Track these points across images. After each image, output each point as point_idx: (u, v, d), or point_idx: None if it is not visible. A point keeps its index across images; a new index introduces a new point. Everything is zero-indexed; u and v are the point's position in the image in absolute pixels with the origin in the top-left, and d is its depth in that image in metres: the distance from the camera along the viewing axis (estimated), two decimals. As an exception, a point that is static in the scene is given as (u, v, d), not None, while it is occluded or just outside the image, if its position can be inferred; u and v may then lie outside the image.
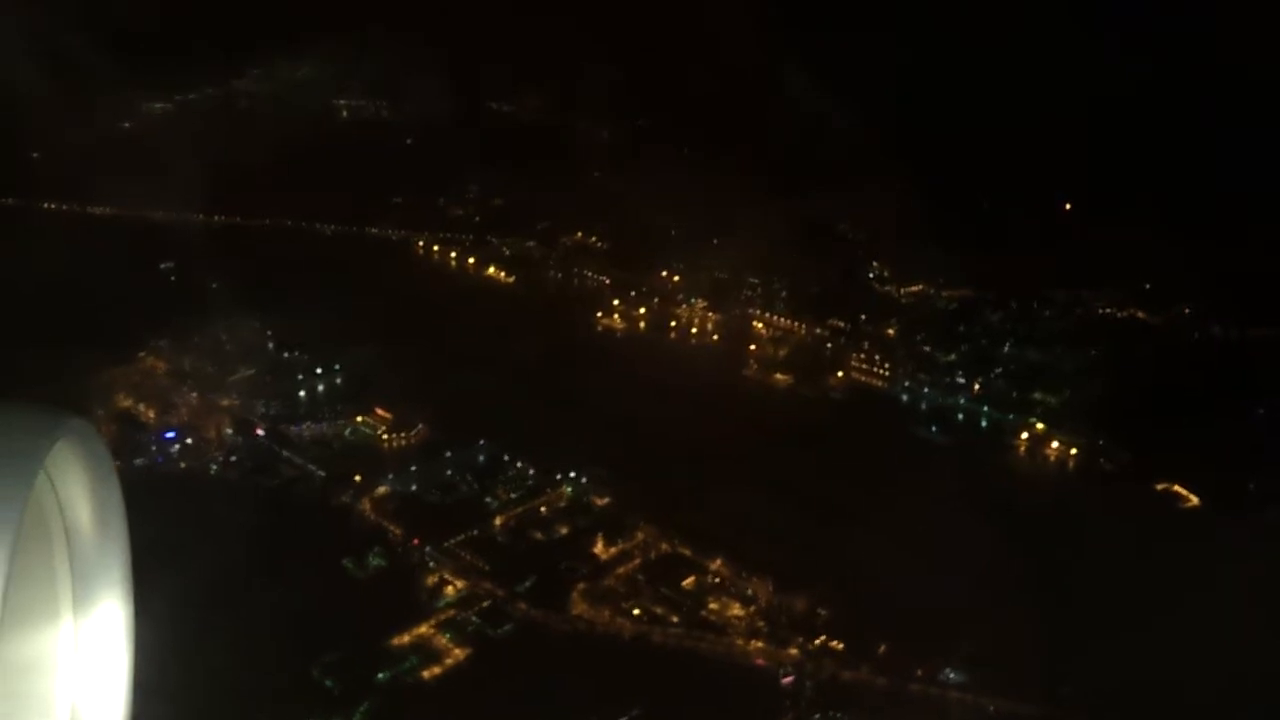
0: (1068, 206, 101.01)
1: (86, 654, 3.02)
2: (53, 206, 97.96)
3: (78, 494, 2.96)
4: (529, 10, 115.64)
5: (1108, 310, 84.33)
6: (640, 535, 54.83)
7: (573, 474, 59.15)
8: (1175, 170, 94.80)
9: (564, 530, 55.21)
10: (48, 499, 2.91)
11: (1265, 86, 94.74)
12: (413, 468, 59.19)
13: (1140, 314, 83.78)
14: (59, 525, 2.97)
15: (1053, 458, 65.00)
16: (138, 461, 57.91)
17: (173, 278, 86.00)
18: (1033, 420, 66.88)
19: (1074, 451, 64.29)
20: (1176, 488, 60.24)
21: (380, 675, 44.86)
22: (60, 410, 2.72)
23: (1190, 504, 59.57)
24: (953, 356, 75.39)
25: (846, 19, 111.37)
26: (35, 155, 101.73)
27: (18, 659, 2.83)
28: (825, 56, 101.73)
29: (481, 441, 61.83)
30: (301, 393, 68.79)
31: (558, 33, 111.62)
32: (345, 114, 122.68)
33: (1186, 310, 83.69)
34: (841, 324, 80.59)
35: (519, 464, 59.90)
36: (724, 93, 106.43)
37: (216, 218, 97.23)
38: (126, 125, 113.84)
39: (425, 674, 45.52)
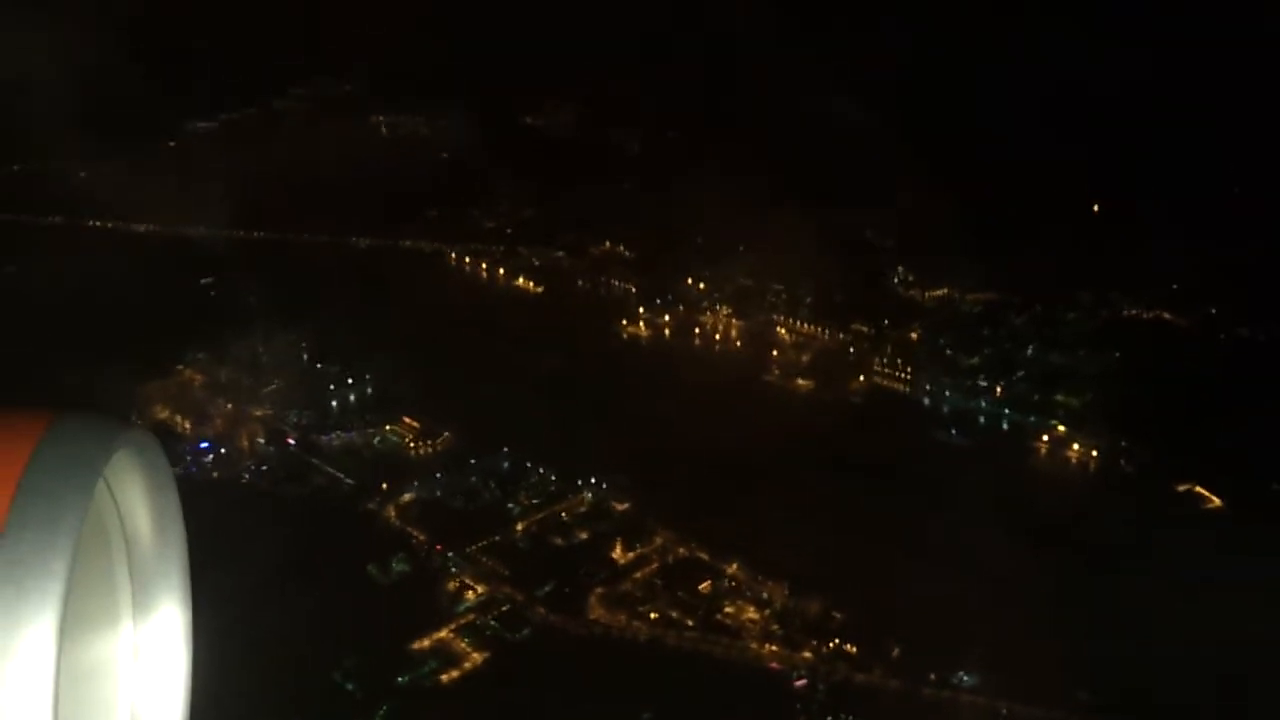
0: (1096, 208, 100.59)
1: (146, 659, 3.10)
2: (98, 224, 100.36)
3: (137, 503, 3.03)
4: (564, 26, 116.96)
5: (1134, 312, 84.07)
6: (659, 540, 55.73)
7: (593, 480, 60.04)
8: (1206, 172, 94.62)
9: (584, 536, 56.23)
10: (107, 508, 3.00)
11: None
12: (437, 475, 60.47)
13: (1167, 315, 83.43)
14: (119, 533, 3.06)
15: (1074, 460, 65.06)
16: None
17: (212, 292, 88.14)
18: (1054, 422, 66.94)
19: (1095, 453, 64.31)
20: (1199, 489, 60.10)
21: (400, 679, 46.03)
22: (120, 420, 2.83)
23: (1212, 505, 59.45)
24: (975, 360, 75.51)
25: (874, 26, 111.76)
26: (83, 175, 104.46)
27: (80, 664, 2.94)
28: (854, 64, 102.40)
29: (505, 449, 62.97)
30: (333, 403, 70.40)
31: (592, 47, 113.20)
32: (384, 130, 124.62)
33: (1214, 312, 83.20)
34: (865, 329, 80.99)
35: (541, 470, 60.98)
36: (754, 102, 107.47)
37: (256, 233, 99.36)
38: (171, 144, 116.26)
39: (444, 677, 46.71)
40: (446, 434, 65.18)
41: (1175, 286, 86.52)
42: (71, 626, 2.45)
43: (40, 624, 2.38)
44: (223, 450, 63.52)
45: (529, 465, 61.64)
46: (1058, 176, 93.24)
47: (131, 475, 2.98)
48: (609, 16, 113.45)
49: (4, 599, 2.38)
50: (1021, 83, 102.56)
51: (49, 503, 2.48)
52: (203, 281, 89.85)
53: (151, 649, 3.11)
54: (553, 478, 60.44)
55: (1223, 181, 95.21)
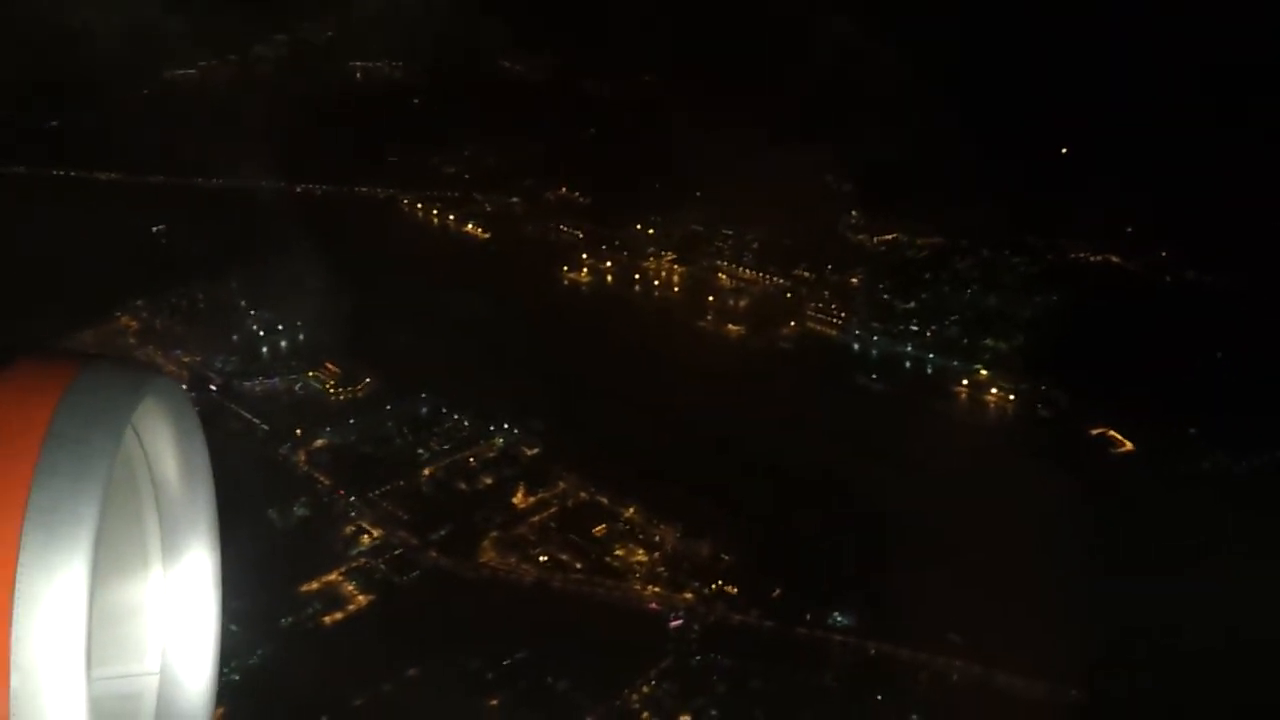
0: (1064, 151, 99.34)
1: (175, 601, 3.17)
2: (60, 173, 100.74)
3: (164, 448, 3.09)
4: None
5: (1082, 256, 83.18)
6: (562, 485, 56.06)
7: (506, 425, 60.29)
8: (1173, 114, 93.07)
9: (488, 481, 56.59)
10: (135, 454, 3.07)
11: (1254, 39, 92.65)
12: (351, 420, 60.85)
13: (1115, 259, 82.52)
14: (147, 479, 3.14)
15: (992, 404, 64.80)
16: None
17: (163, 240, 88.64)
18: (977, 367, 66.58)
19: (1012, 398, 63.97)
20: (1111, 433, 59.77)
21: (283, 621, 46.69)
22: (147, 367, 2.90)
23: (1123, 449, 59.16)
24: (911, 304, 75.08)
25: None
26: (53, 124, 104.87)
27: (111, 606, 3.03)
28: (818, 10, 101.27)
29: (424, 395, 63.23)
30: (263, 349, 70.85)
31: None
32: (359, 76, 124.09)
33: (1164, 255, 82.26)
34: (807, 274, 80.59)
35: (456, 416, 61.23)
36: (726, 50, 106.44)
37: (215, 180, 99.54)
38: (145, 92, 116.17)
39: (326, 619, 47.33)
40: (368, 379, 65.52)
41: (1130, 230, 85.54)
42: (102, 570, 2.52)
43: (72, 568, 2.45)
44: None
45: (444, 411, 61.83)
46: (1020, 121, 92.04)
47: (159, 422, 3.05)
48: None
49: (35, 543, 2.45)
50: (983, 28, 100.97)
51: (78, 449, 2.54)
52: (155, 229, 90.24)
53: (181, 592, 3.20)
54: (465, 423, 60.65)
55: (1186, 124, 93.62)
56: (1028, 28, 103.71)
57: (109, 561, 2.81)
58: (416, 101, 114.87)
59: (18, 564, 2.44)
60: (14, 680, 2.42)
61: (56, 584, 2.43)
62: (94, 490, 2.48)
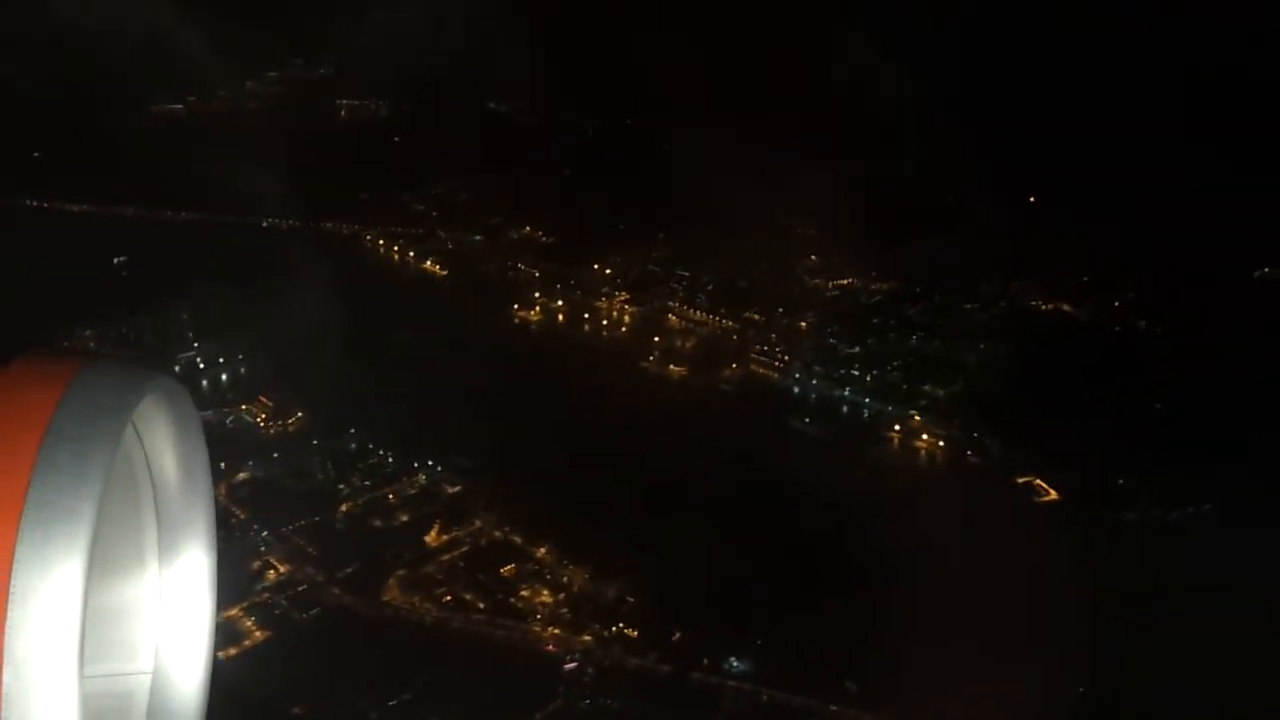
0: (1032, 199, 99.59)
1: (171, 601, 3.17)
2: (34, 204, 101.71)
3: (164, 448, 3.11)
4: (534, 10, 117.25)
5: (1035, 303, 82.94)
6: (478, 523, 55.69)
7: (430, 463, 60.07)
8: (1132, 164, 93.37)
9: (404, 518, 56.25)
10: (135, 452, 3.07)
11: (1217, 88, 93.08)
12: (275, 455, 60.71)
13: (1067, 307, 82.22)
14: (145, 478, 3.14)
15: (922, 450, 64.31)
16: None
17: (124, 273, 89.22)
18: (912, 413, 66.17)
19: (942, 444, 63.51)
20: (1037, 482, 59.22)
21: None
22: (148, 367, 2.90)
23: (1047, 498, 58.55)
24: (856, 349, 74.84)
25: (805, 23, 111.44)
26: (36, 155, 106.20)
27: (106, 605, 3.05)
28: (792, 53, 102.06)
29: (353, 430, 63.10)
30: (203, 382, 70.89)
31: (561, 35, 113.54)
32: (344, 114, 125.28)
33: (1116, 304, 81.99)
34: (757, 317, 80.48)
35: (381, 452, 61.04)
36: (709, 93, 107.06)
37: (183, 214, 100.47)
38: (129, 126, 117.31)
39: (220, 654, 46.59)
40: (300, 414, 65.42)
41: (1085, 279, 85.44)
42: (98, 568, 2.52)
43: (68, 565, 2.45)
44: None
45: (371, 447, 61.68)
46: (988, 167, 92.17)
47: (159, 421, 3.05)
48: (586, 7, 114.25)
49: (33, 541, 2.45)
50: (955, 76, 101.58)
51: (77, 446, 2.53)
52: (116, 261, 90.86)
53: (177, 592, 3.19)
54: (390, 459, 60.45)
55: (1157, 175, 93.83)
56: (997, 75, 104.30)
57: (105, 559, 2.81)
58: (397, 139, 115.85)
59: (14, 560, 2.44)
60: (6, 676, 2.41)
61: (52, 581, 2.42)
62: (92, 488, 2.47)
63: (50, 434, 2.53)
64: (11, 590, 2.42)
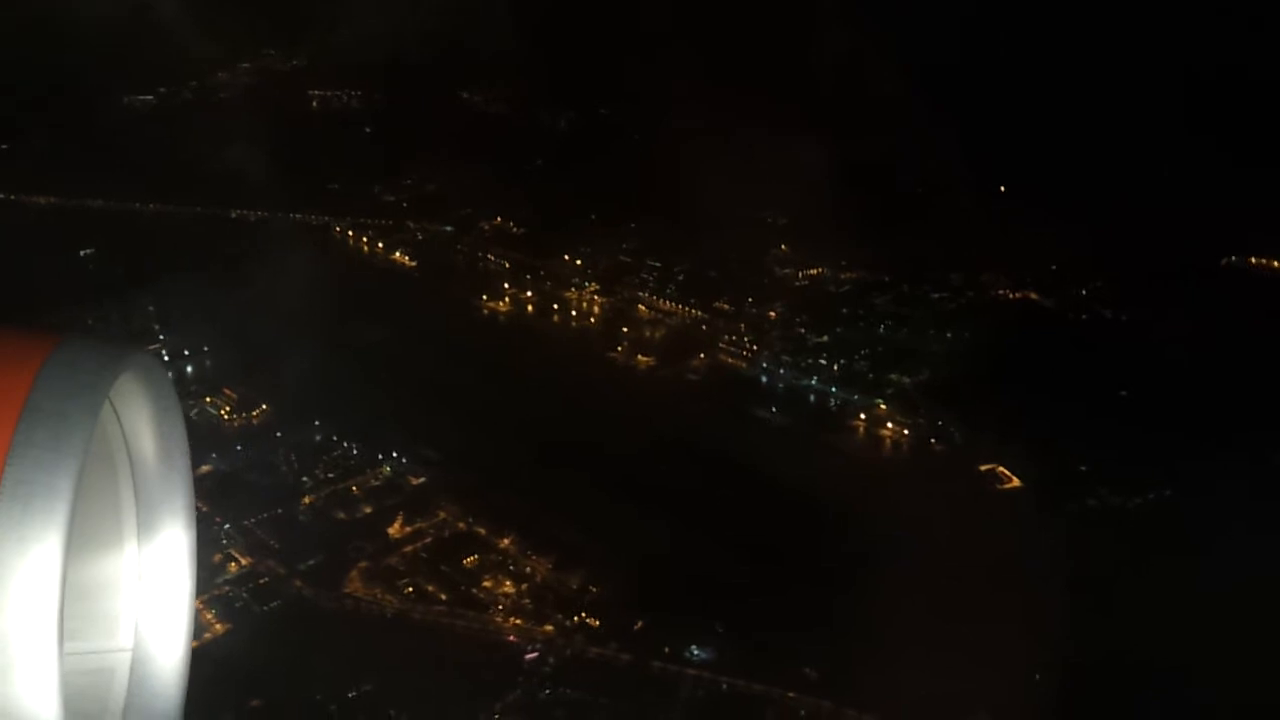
0: (1002, 189, 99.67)
1: (150, 578, 3.16)
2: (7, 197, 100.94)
3: (142, 425, 3.08)
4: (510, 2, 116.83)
5: (1003, 292, 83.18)
6: (441, 514, 55.55)
7: (395, 454, 59.88)
8: (1101, 154, 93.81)
9: (368, 510, 56.06)
10: (113, 430, 3.05)
11: (1185, 81, 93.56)
12: (238, 447, 60.41)
13: (1034, 296, 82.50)
14: (124, 455, 3.12)
15: (887, 438, 64.48)
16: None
17: (90, 265, 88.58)
18: (878, 401, 66.32)
19: (906, 432, 63.70)
20: (1000, 469, 59.46)
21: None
22: (126, 344, 2.88)
23: (1009, 485, 58.80)
24: (824, 339, 74.92)
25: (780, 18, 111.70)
26: (4, 147, 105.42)
27: (85, 581, 3.02)
28: (767, 47, 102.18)
29: (317, 422, 62.84)
30: (169, 374, 70.38)
31: (537, 26, 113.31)
32: (315, 105, 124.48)
33: (1083, 293, 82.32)
34: (726, 307, 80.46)
35: (345, 444, 60.81)
36: (684, 85, 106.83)
37: (151, 205, 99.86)
38: (102, 118, 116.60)
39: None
40: (264, 406, 65.10)
41: (1054, 268, 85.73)
42: (77, 545, 2.50)
43: (46, 542, 2.42)
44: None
45: (335, 439, 61.44)
46: (960, 156, 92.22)
47: (137, 398, 3.04)
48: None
49: (11, 517, 2.43)
50: (930, 64, 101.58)
51: (55, 423, 2.51)
52: (82, 254, 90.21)
53: (155, 569, 3.19)
54: (354, 451, 60.23)
55: (1111, 162, 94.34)
56: (968, 67, 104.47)
57: (84, 536, 2.79)
58: (368, 130, 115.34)
59: None
60: None
61: (31, 558, 2.40)
62: (70, 464, 2.45)
63: (27, 411, 2.50)
64: None
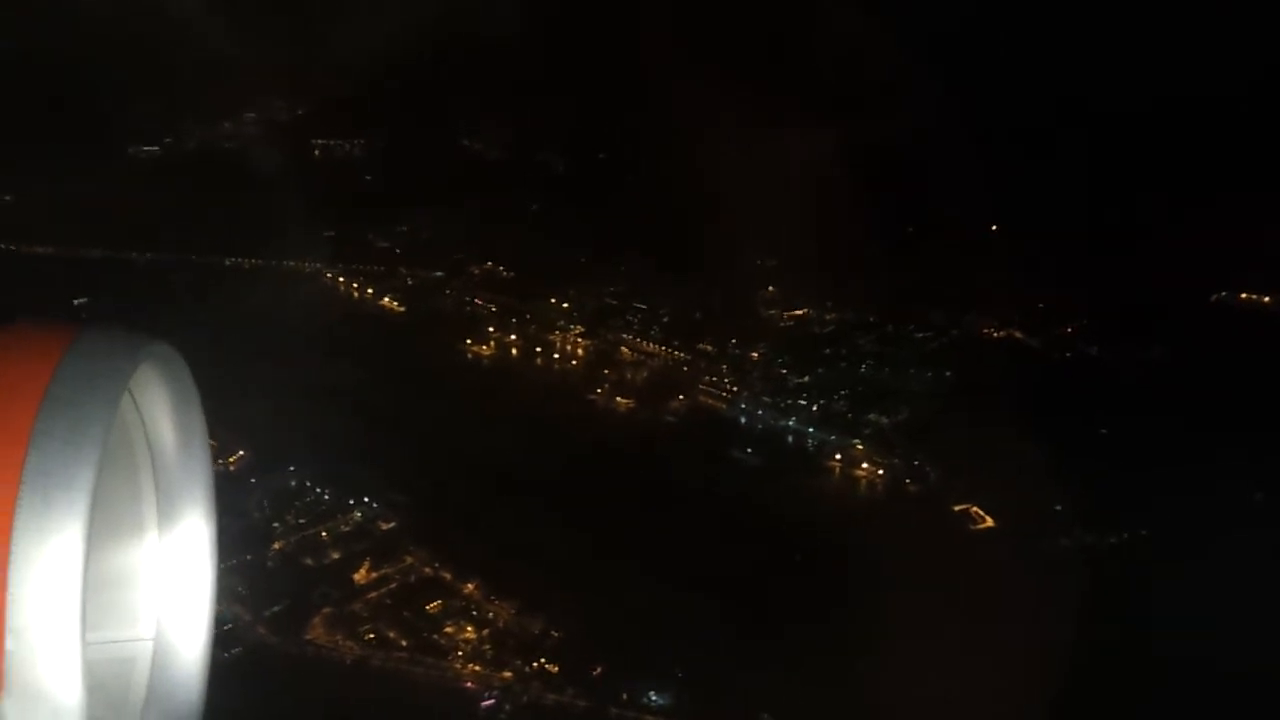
0: (994, 228, 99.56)
1: (171, 569, 3.23)
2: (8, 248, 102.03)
3: (161, 415, 3.19)
4: (510, 48, 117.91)
5: (987, 331, 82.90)
6: (408, 560, 55.46)
7: (366, 500, 59.91)
8: (1093, 189, 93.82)
9: (336, 555, 56.02)
10: (132, 420, 3.13)
11: (1173, 115, 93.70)
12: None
13: (1019, 334, 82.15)
14: (143, 445, 3.20)
15: (862, 479, 64.13)
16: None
17: (83, 314, 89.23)
18: (855, 441, 66.02)
19: (881, 473, 63.35)
20: (975, 510, 58.97)
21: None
22: (144, 334, 2.96)
23: (983, 525, 58.31)
24: (805, 379, 74.77)
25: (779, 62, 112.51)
26: (7, 198, 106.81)
27: (106, 572, 3.06)
28: (762, 87, 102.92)
29: (292, 468, 62.99)
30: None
31: (538, 71, 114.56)
32: (317, 154, 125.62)
33: (1069, 331, 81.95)
34: (709, 348, 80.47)
35: (318, 490, 60.90)
36: (675, 128, 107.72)
37: (148, 255, 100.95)
38: (110, 168, 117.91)
39: (136, 695, 46.48)
40: (242, 452, 65.26)
41: (1040, 306, 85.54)
42: (98, 535, 2.53)
43: (67, 533, 2.47)
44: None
45: (308, 484, 61.53)
46: (949, 196, 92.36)
47: (156, 388, 3.13)
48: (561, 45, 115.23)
49: (31, 508, 2.47)
50: (923, 103, 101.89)
51: (75, 413, 2.55)
52: (76, 302, 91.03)
53: (176, 559, 3.23)
54: (326, 497, 60.29)
55: (1103, 198, 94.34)
56: (960, 102, 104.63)
57: (105, 526, 2.79)
58: (368, 178, 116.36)
59: (13, 527, 2.45)
60: (9, 643, 2.43)
61: (52, 547, 2.44)
62: (90, 454, 2.49)
63: (47, 401, 2.53)
64: (11, 558, 2.42)
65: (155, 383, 3.09)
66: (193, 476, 3.27)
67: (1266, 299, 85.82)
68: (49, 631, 2.43)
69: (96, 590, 2.62)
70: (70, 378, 2.59)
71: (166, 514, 3.21)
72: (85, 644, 2.49)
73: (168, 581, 3.20)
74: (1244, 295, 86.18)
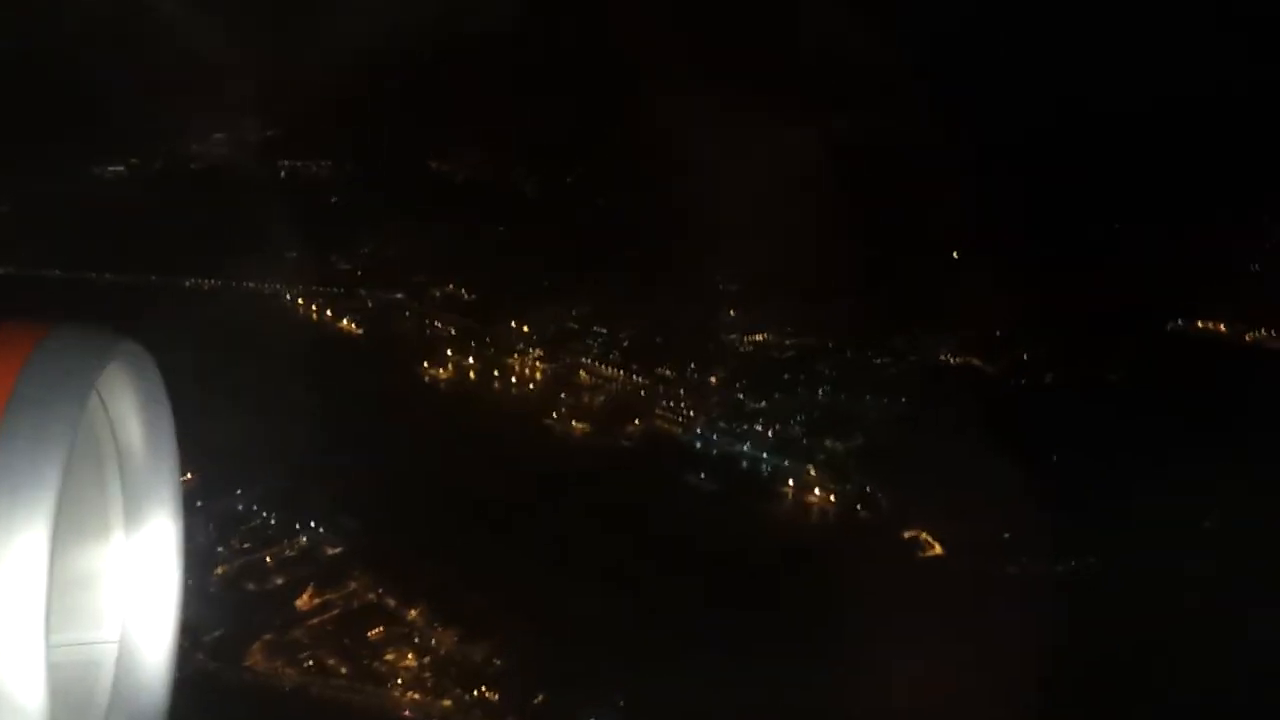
0: (955, 255, 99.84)
1: (137, 570, 3.17)
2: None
3: (129, 414, 3.10)
4: (481, 68, 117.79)
5: (945, 357, 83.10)
6: (353, 585, 54.84)
7: (313, 524, 59.29)
8: (1056, 216, 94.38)
9: (279, 581, 55.34)
10: (100, 419, 3.06)
11: (1136, 138, 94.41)
12: (156, 519, 59.79)
13: (976, 361, 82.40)
14: (110, 445, 3.13)
15: (814, 505, 64.01)
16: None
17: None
18: (809, 467, 65.92)
19: (833, 499, 63.25)
20: (924, 536, 58.89)
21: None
22: (113, 333, 2.91)
23: (931, 552, 58.22)
24: (762, 404, 74.68)
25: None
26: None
27: (71, 574, 3.00)
28: (732, 123, 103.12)
29: (239, 491, 62.29)
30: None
31: (510, 91, 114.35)
32: (283, 175, 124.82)
33: (1025, 357, 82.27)
34: (668, 373, 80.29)
35: (265, 514, 60.22)
36: (653, 145, 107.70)
37: (106, 276, 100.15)
38: (73, 188, 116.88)
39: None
40: (189, 475, 64.36)
41: (999, 333, 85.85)
42: (63, 536, 2.47)
43: (32, 533, 2.39)
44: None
45: (255, 508, 60.86)
46: (909, 222, 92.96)
47: (124, 387, 3.04)
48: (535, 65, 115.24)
49: None
50: (898, 130, 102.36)
51: (41, 412, 2.49)
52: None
53: (143, 561, 3.17)
54: (273, 521, 59.63)
55: (1066, 224, 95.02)
56: (927, 125, 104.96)
57: (70, 527, 2.74)
58: (334, 200, 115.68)
59: None
60: None
61: (15, 548, 2.37)
62: (56, 454, 2.44)
63: (14, 399, 2.48)
64: None
65: (123, 382, 3.00)
66: (160, 477, 3.20)
67: (1222, 327, 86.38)
68: (12, 633, 2.36)
69: (61, 592, 2.59)
70: (37, 376, 2.53)
71: (133, 515, 3.16)
72: (49, 646, 2.42)
73: (134, 583, 3.15)
74: (1200, 324, 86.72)
